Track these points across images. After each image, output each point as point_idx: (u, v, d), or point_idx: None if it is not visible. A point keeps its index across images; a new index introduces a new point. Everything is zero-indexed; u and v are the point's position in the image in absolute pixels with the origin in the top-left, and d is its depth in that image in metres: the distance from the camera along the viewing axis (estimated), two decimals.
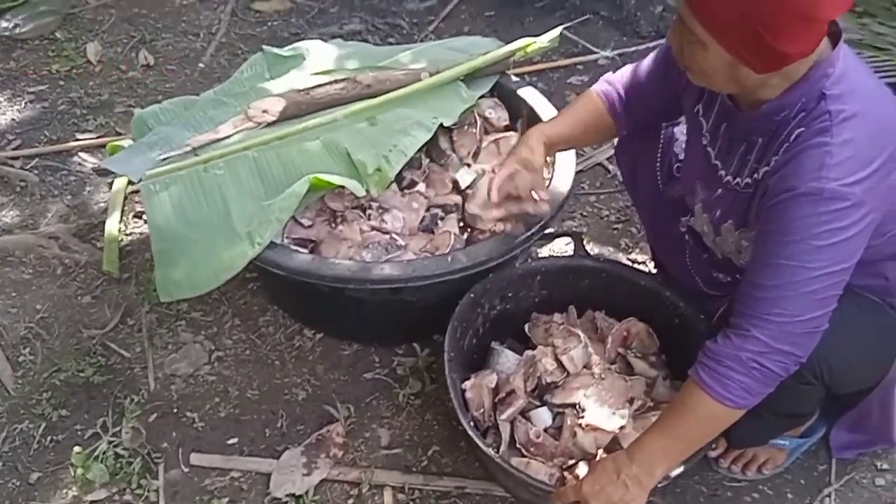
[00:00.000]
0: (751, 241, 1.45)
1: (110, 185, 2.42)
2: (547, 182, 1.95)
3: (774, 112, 1.33)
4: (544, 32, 2.32)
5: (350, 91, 2.16)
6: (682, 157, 1.77)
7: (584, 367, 1.75)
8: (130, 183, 2.27)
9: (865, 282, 1.46)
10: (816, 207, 1.25)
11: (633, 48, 3.05)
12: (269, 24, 3.21)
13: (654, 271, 2.05)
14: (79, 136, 2.63)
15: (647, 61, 1.67)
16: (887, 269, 1.48)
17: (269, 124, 2.08)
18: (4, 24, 3.05)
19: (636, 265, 2.13)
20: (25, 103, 2.75)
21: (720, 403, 1.33)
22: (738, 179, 1.45)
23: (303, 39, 3.04)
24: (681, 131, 1.78)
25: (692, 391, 1.36)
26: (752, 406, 1.35)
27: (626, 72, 1.71)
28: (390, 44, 3.08)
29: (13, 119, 2.69)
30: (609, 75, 1.74)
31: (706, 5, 1.22)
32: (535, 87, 2.76)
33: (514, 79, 2.33)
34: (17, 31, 3.04)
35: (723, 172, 1.48)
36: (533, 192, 1.68)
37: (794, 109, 1.31)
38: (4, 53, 2.96)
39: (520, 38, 2.30)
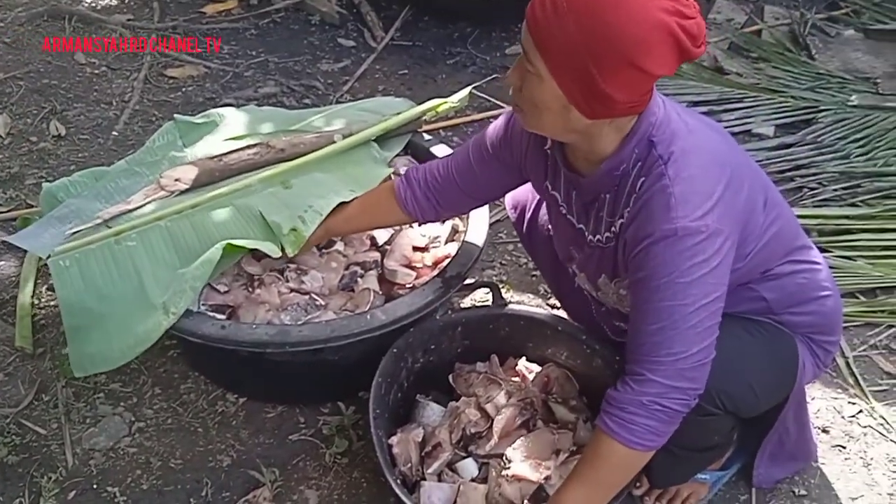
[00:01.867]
0: (627, 289, 1.51)
1: (22, 259, 2.37)
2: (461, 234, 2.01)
3: (614, 168, 1.40)
4: (457, 88, 2.40)
5: (263, 156, 2.18)
6: None
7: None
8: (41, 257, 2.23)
9: (748, 306, 1.55)
10: (676, 247, 1.32)
11: None
12: (184, 89, 3.22)
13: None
14: None
15: (472, 152, 1.74)
16: (763, 289, 1.56)
17: (182, 193, 2.08)
18: None
19: (555, 311, 2.18)
20: None
21: (630, 448, 1.38)
22: (598, 236, 1.53)
23: (217, 104, 3.09)
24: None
25: (602, 439, 1.40)
26: (661, 445, 1.40)
27: (435, 166, 1.80)
28: (306, 105, 3.13)
29: None
30: (411, 170, 1.84)
31: (548, 39, 1.26)
32: (451, 141, 2.86)
33: (427, 137, 2.39)
34: None
35: (587, 233, 1.55)
36: None
37: (630, 161, 1.39)
38: None
39: (433, 94, 2.38)
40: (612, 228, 1.47)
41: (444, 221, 2.11)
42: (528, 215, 1.94)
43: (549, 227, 1.79)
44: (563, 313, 2.12)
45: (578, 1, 1.22)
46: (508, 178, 1.73)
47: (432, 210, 1.81)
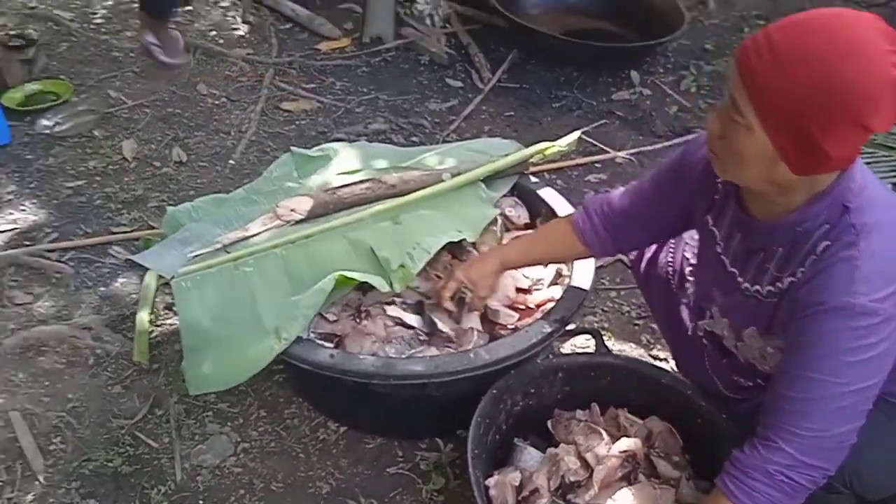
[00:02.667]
0: (776, 348, 1.46)
1: (142, 277, 2.49)
2: (565, 280, 2.01)
3: (797, 223, 1.33)
4: (562, 132, 2.42)
5: (375, 191, 2.25)
6: (693, 260, 1.80)
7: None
8: (161, 276, 2.34)
9: (889, 388, 1.47)
10: (848, 323, 1.25)
11: (650, 147, 3.14)
12: (297, 122, 3.34)
13: (675, 370, 2.08)
14: (113, 229, 2.72)
15: (640, 187, 1.72)
16: None
17: (297, 223, 2.16)
18: (45, 123, 3.19)
19: (657, 362, 2.15)
20: (63, 198, 2.86)
21: None
22: (757, 287, 1.46)
23: (329, 138, 3.20)
24: (690, 235, 1.81)
25: (719, 500, 1.36)
26: None
27: (613, 197, 1.76)
28: (413, 142, 3.20)
29: (51, 213, 2.79)
30: (591, 200, 1.80)
31: (765, 89, 1.18)
32: (554, 184, 2.88)
33: (533, 179, 2.42)
34: (57, 129, 3.18)
35: (741, 279, 1.49)
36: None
37: (817, 221, 1.31)
38: (44, 150, 3.09)
39: (538, 137, 2.41)
40: (779, 284, 1.40)
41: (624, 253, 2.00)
42: (647, 255, 1.91)
43: (671, 268, 1.77)
44: (666, 365, 2.10)
45: (803, 51, 1.15)
46: (678, 210, 1.65)
47: (609, 244, 1.77)
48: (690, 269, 1.79)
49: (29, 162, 3.02)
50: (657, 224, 1.72)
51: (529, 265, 1.95)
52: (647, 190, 1.71)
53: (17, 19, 3.86)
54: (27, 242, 2.65)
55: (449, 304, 1.93)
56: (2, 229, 2.70)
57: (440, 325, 1.98)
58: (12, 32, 3.41)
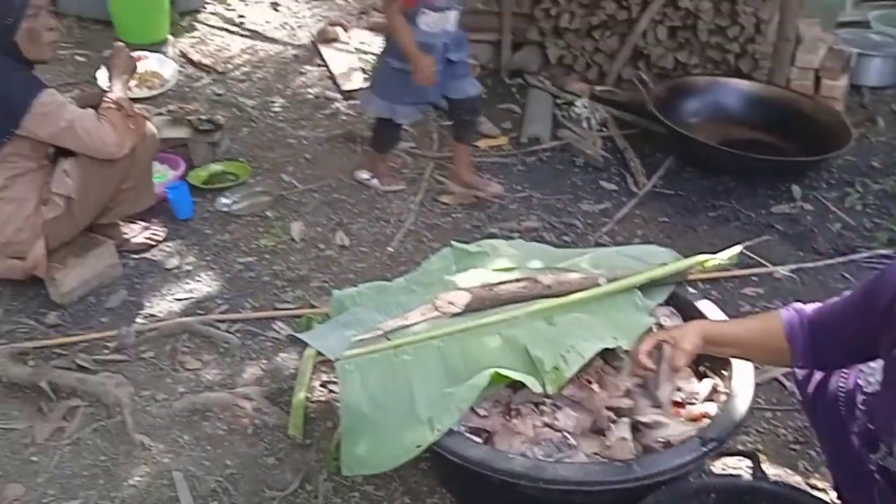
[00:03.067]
0: None
1: (300, 353, 2.62)
2: (723, 394, 1.96)
3: None
4: (718, 241, 2.41)
5: (531, 290, 2.30)
6: (867, 388, 1.73)
7: None
8: (319, 354, 2.45)
9: None
10: None
11: (811, 264, 3.05)
12: (453, 215, 3.47)
13: (837, 502, 1.97)
14: (278, 305, 2.90)
15: (841, 301, 1.67)
16: None
17: (454, 315, 2.24)
18: (224, 201, 3.47)
19: (817, 492, 2.04)
20: (235, 272, 3.07)
21: None
22: None
23: (483, 232, 3.30)
24: (867, 364, 1.75)
25: None
26: None
27: (819, 308, 1.71)
28: (565, 242, 3.25)
29: (223, 286, 3.00)
30: (801, 306, 1.74)
31: None
32: (708, 294, 2.84)
33: (691, 290, 2.40)
34: (235, 207, 3.44)
35: None
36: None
37: None
38: (221, 226, 3.34)
39: (693, 245, 2.40)
40: None
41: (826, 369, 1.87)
42: (816, 377, 1.84)
43: (842, 394, 1.71)
44: (826, 496, 1.99)
45: None
46: (873, 332, 1.57)
47: (811, 357, 1.70)
48: (864, 397, 1.72)
49: (207, 236, 3.28)
50: (854, 343, 1.64)
51: (725, 345, 1.83)
52: (848, 305, 1.65)
53: (207, 105, 4.24)
54: (200, 311, 2.86)
55: (646, 360, 1.84)
56: (180, 297, 2.93)
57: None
58: (203, 117, 3.75)
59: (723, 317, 2.24)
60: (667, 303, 2.36)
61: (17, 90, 2.61)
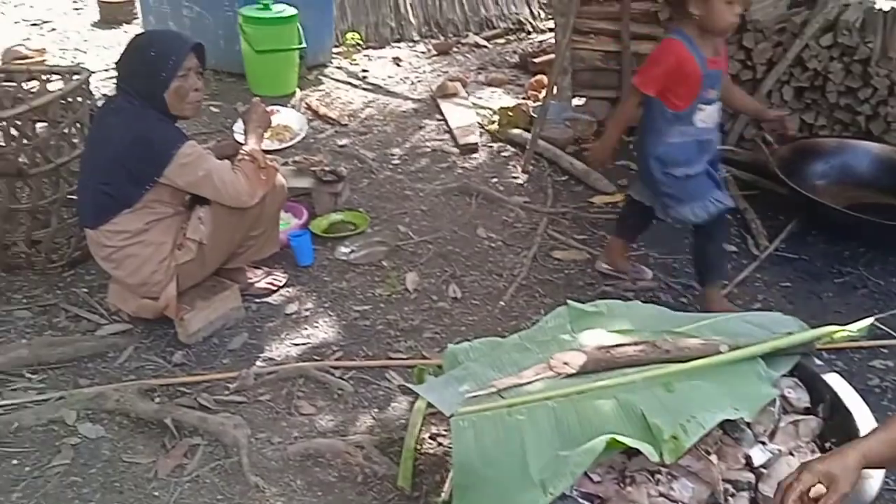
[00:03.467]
0: None
1: (412, 404, 2.65)
2: None
3: None
4: (844, 310, 2.31)
5: (649, 354, 2.25)
6: None
7: None
8: (429, 405, 2.47)
9: None
10: None
11: None
12: (566, 271, 3.46)
13: None
14: (391, 355, 2.95)
15: None
16: None
17: (569, 376, 2.22)
18: (343, 250, 3.58)
19: None
20: (351, 320, 3.15)
21: None
22: None
23: (596, 289, 3.28)
24: None
25: None
26: None
27: None
28: (682, 303, 3.18)
29: (339, 332, 3.08)
30: None
31: None
32: (833, 364, 2.71)
33: (817, 362, 2.30)
34: (353, 256, 3.54)
35: None
36: None
37: None
38: (339, 274, 3.44)
39: (817, 312, 2.32)
40: None
41: None
42: None
43: None
44: None
45: None
46: None
47: None
48: None
49: (326, 283, 3.38)
50: None
51: (885, 465, 1.70)
52: None
53: (331, 156, 4.41)
54: (316, 357, 2.94)
55: None
56: (297, 342, 3.03)
57: None
58: (326, 168, 3.90)
59: (851, 392, 2.13)
60: (791, 373, 2.28)
61: (161, 141, 2.79)
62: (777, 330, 2.34)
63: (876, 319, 2.42)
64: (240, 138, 3.14)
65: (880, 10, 4.21)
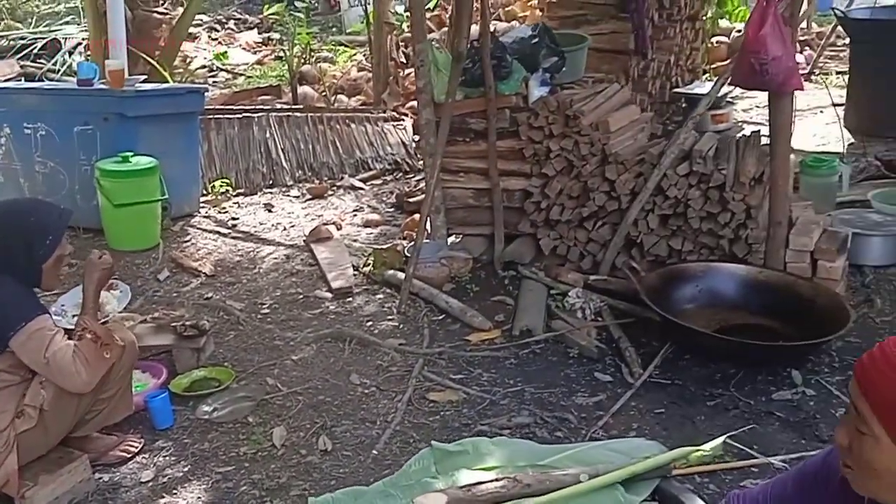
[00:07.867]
0: None
1: None
2: None
3: None
4: (716, 432, 2.53)
5: (510, 490, 2.42)
6: None
7: None
8: None
9: None
10: None
11: (813, 451, 3.13)
12: (442, 413, 3.61)
13: None
14: None
15: (787, 484, 1.79)
16: None
17: None
18: (205, 409, 3.64)
19: None
20: (212, 483, 3.19)
21: None
22: None
23: (472, 430, 3.41)
24: None
25: None
26: None
27: (754, 493, 1.83)
28: (557, 437, 3.35)
29: (199, 497, 3.11)
30: (732, 497, 1.86)
31: (879, 391, 1.27)
32: (706, 488, 2.91)
33: (676, 483, 2.50)
34: (216, 415, 3.60)
35: None
36: None
37: None
38: (201, 435, 3.49)
39: (691, 436, 2.53)
40: None
41: None
42: None
43: None
44: None
45: None
46: None
47: None
48: None
49: (186, 446, 3.42)
50: None
51: None
52: (789, 491, 1.76)
53: (194, 310, 4.52)
54: None
55: None
56: None
57: None
58: (188, 323, 4.00)
59: None
60: (652, 497, 2.47)
61: (13, 309, 2.87)
62: (636, 455, 2.55)
63: (730, 436, 2.67)
64: (65, 323, 3.29)
65: (732, 137, 4.76)
